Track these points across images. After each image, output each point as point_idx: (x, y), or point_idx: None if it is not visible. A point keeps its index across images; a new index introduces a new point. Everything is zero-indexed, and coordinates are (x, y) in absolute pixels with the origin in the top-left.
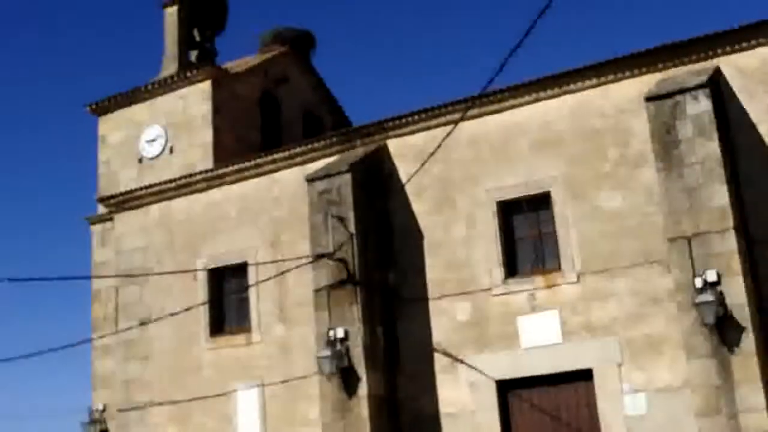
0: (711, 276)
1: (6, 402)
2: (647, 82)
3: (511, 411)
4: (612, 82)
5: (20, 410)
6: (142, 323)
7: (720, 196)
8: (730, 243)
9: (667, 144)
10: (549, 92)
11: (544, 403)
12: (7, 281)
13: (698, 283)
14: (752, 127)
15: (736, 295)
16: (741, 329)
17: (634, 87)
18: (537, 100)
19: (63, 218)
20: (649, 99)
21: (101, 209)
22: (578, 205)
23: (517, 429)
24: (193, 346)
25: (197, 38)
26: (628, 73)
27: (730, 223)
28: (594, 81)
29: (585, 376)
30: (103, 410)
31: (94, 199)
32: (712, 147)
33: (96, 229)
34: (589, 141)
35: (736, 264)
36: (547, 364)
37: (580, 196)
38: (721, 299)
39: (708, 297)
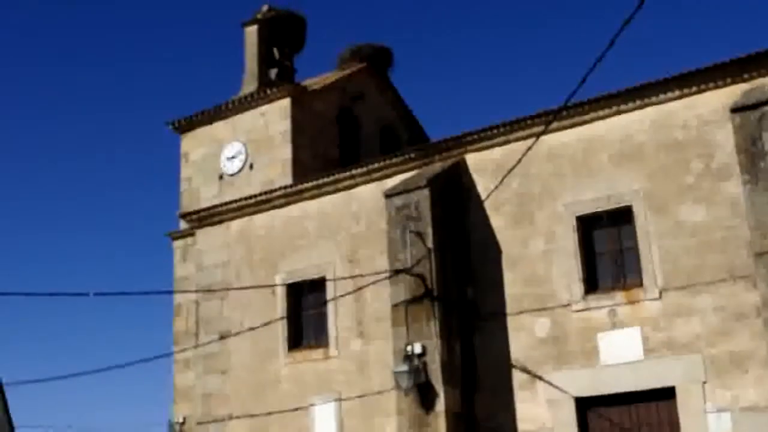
0: None
1: (89, 414)
2: (732, 92)
3: (590, 429)
4: (696, 93)
5: (103, 423)
6: (222, 337)
7: None
8: None
9: (753, 156)
10: (630, 104)
11: (624, 421)
12: (93, 295)
13: None
14: None
15: None
16: None
17: (719, 98)
18: (618, 112)
19: (147, 235)
20: (735, 110)
21: (183, 225)
22: (660, 219)
23: None
24: (271, 360)
25: (277, 56)
26: (712, 84)
27: None
28: (677, 92)
29: (667, 394)
30: (183, 423)
31: (176, 215)
32: None
33: (178, 244)
34: (672, 154)
35: None
36: (628, 382)
37: (662, 210)
38: None
39: None
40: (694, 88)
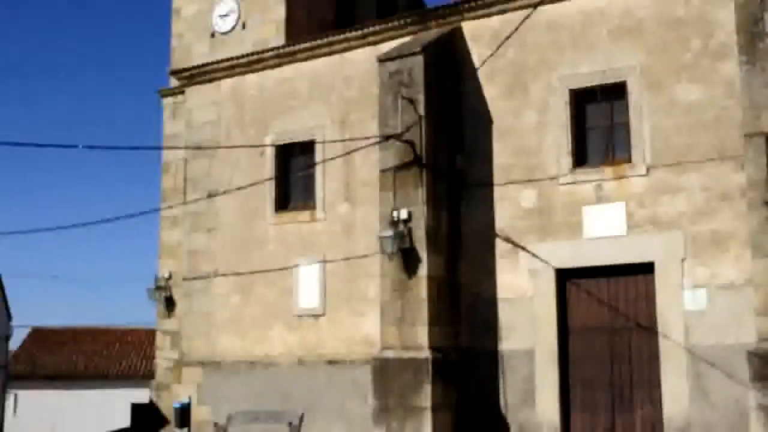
0: None
1: (78, 267)
2: None
3: (568, 299)
4: None
5: (90, 275)
6: (210, 196)
7: None
8: None
9: (752, 36)
10: None
11: (602, 293)
12: (81, 147)
13: None
14: None
15: None
16: None
17: None
18: None
19: (137, 91)
20: None
21: (173, 82)
22: (654, 96)
23: (574, 317)
24: (258, 220)
25: None
26: None
27: None
28: None
29: (646, 269)
30: (169, 278)
31: (166, 72)
32: None
33: (168, 102)
34: (671, 30)
35: None
36: (608, 256)
37: (657, 87)
38: None
39: None
40: None
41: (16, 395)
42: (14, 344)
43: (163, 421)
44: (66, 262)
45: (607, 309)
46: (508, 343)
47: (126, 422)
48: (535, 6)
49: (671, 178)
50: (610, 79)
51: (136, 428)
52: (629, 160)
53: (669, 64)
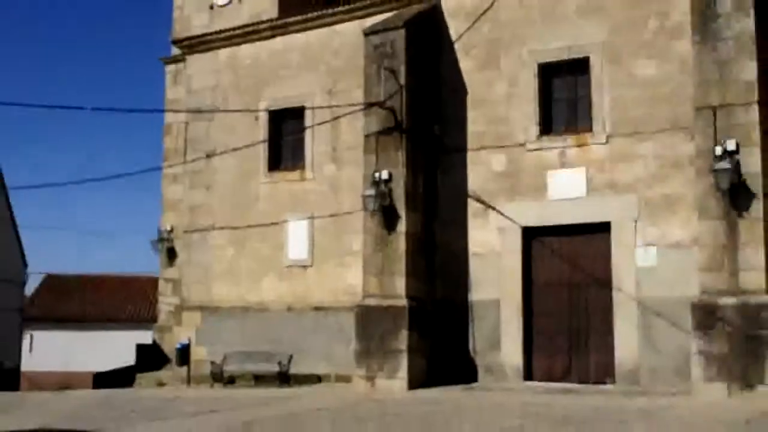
0: (730, 145)
1: (90, 219)
2: None
3: (533, 255)
4: None
5: (102, 226)
6: (208, 156)
7: (748, 71)
8: (752, 115)
9: (705, 17)
10: None
11: (563, 250)
12: (90, 110)
13: (718, 150)
14: None
15: (752, 164)
16: (752, 196)
17: None
18: None
19: (141, 58)
20: None
21: (175, 51)
22: (615, 71)
23: (537, 272)
24: (251, 179)
25: None
26: None
27: (755, 97)
28: None
29: (603, 228)
30: (171, 231)
31: (168, 41)
32: (748, 23)
33: (169, 68)
34: (633, 10)
35: (755, 136)
36: (570, 216)
37: (617, 63)
38: (736, 167)
39: (725, 164)
40: None
41: (31, 336)
42: (29, 290)
43: (165, 360)
44: (77, 215)
45: (567, 264)
46: (477, 295)
47: (132, 361)
48: None
49: (628, 146)
50: (575, 55)
51: (141, 366)
52: (591, 130)
53: (629, 41)
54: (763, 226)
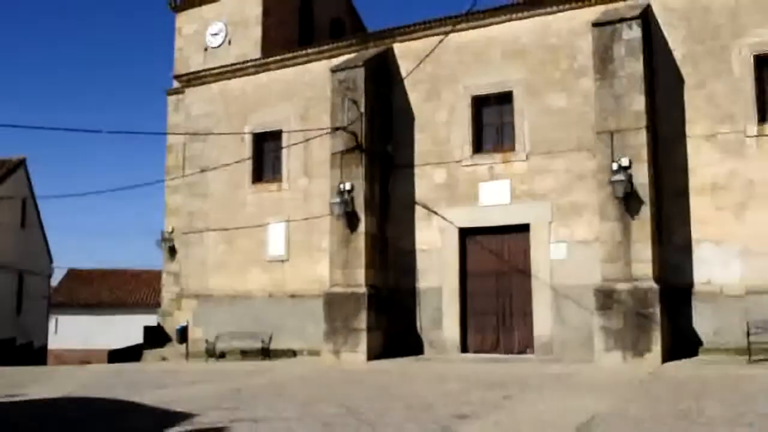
0: (624, 162)
1: (106, 221)
2: (595, 11)
3: (468, 250)
4: (568, 10)
5: (116, 227)
6: (203, 170)
7: (638, 102)
8: (641, 138)
9: (604, 60)
10: (520, 15)
11: (492, 246)
12: (105, 132)
13: (614, 166)
14: (669, 52)
15: (641, 177)
16: (641, 202)
17: (585, 15)
18: (510, 20)
19: (147, 90)
20: (595, 25)
21: (175, 84)
22: (532, 102)
23: (471, 264)
24: (239, 189)
25: None
26: (581, 4)
27: (643, 123)
28: (554, 8)
29: (524, 228)
30: (172, 232)
31: (170, 76)
32: (638, 65)
33: (171, 99)
34: (547, 54)
35: (644, 154)
36: (497, 219)
37: (535, 96)
38: (629, 179)
39: (620, 177)
40: (567, 6)
41: (56, 319)
42: (55, 281)
43: (167, 339)
44: (96, 218)
45: (495, 258)
46: (423, 283)
47: (140, 340)
48: (447, 34)
49: (543, 163)
50: (501, 89)
51: (148, 344)
52: (514, 149)
53: (544, 78)
54: (650, 226)
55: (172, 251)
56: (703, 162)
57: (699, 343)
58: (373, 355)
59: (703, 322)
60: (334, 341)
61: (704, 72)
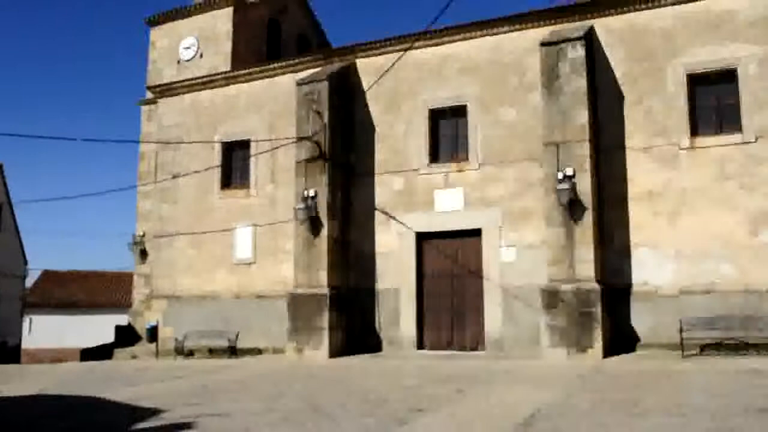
0: (569, 171)
1: (80, 224)
2: (543, 32)
3: (424, 253)
4: (519, 30)
5: (90, 230)
6: (174, 177)
7: (582, 117)
8: (584, 150)
9: (551, 77)
10: (474, 34)
11: (447, 249)
12: (81, 140)
13: (560, 176)
14: (610, 70)
15: (584, 186)
16: (584, 209)
17: (534, 35)
18: (465, 38)
19: (122, 100)
20: (543, 44)
21: (149, 95)
22: (485, 115)
23: (427, 266)
24: (208, 195)
25: None
26: (530, 25)
27: (586, 136)
28: (506, 28)
29: (476, 233)
30: (143, 236)
31: (144, 87)
32: (582, 82)
33: (144, 108)
34: (498, 71)
35: (587, 165)
36: (452, 224)
37: (487, 110)
38: (573, 188)
39: (565, 186)
40: (518, 27)
41: (31, 319)
42: (29, 282)
43: (138, 338)
44: (70, 221)
45: (449, 260)
46: (382, 284)
47: (111, 339)
48: (405, 50)
49: (495, 172)
50: (456, 103)
51: (119, 342)
52: (467, 159)
53: (496, 94)
54: (592, 231)
55: (144, 254)
56: (641, 172)
57: (637, 339)
58: (334, 352)
59: (640, 320)
60: (297, 339)
61: (642, 89)
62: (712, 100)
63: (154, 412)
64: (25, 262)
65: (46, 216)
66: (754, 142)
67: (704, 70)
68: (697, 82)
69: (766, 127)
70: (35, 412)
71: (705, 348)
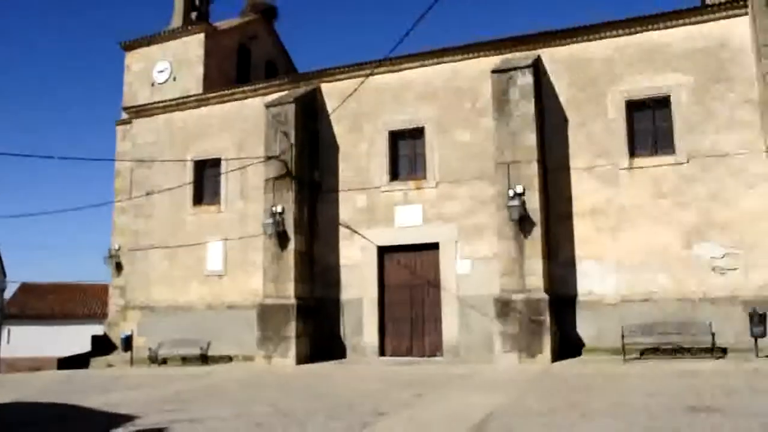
0: (519, 189)
1: (59, 238)
2: (494, 60)
3: (385, 265)
4: (473, 58)
5: (67, 244)
6: (148, 193)
7: (530, 139)
8: (533, 169)
9: (501, 102)
10: (431, 61)
11: (407, 262)
12: (57, 158)
13: (511, 193)
14: (556, 96)
15: (533, 202)
16: (533, 224)
17: (486, 63)
18: (423, 65)
19: (97, 121)
20: (494, 71)
21: (124, 115)
22: (441, 137)
23: (388, 277)
24: (181, 210)
25: (197, 3)
26: (483, 54)
27: (535, 156)
28: (461, 56)
29: (434, 247)
30: (119, 249)
31: (119, 108)
32: (530, 107)
33: (120, 128)
34: (453, 96)
35: (535, 183)
36: (411, 238)
37: (443, 132)
38: (523, 204)
39: (515, 203)
40: (472, 55)
41: (9, 330)
42: (8, 294)
43: (113, 347)
44: (49, 235)
45: (409, 272)
46: (346, 295)
47: (87, 348)
48: (367, 75)
49: (451, 189)
50: (414, 125)
51: (95, 352)
52: (425, 178)
53: (451, 117)
54: (541, 245)
55: (119, 266)
56: (584, 190)
57: (582, 345)
58: (301, 359)
59: (585, 327)
60: (266, 347)
61: (585, 114)
62: (649, 124)
63: (128, 418)
64: (4, 275)
65: (26, 230)
66: (686, 162)
67: (641, 97)
68: (634, 107)
69: (696, 150)
70: (11, 420)
71: (644, 352)
